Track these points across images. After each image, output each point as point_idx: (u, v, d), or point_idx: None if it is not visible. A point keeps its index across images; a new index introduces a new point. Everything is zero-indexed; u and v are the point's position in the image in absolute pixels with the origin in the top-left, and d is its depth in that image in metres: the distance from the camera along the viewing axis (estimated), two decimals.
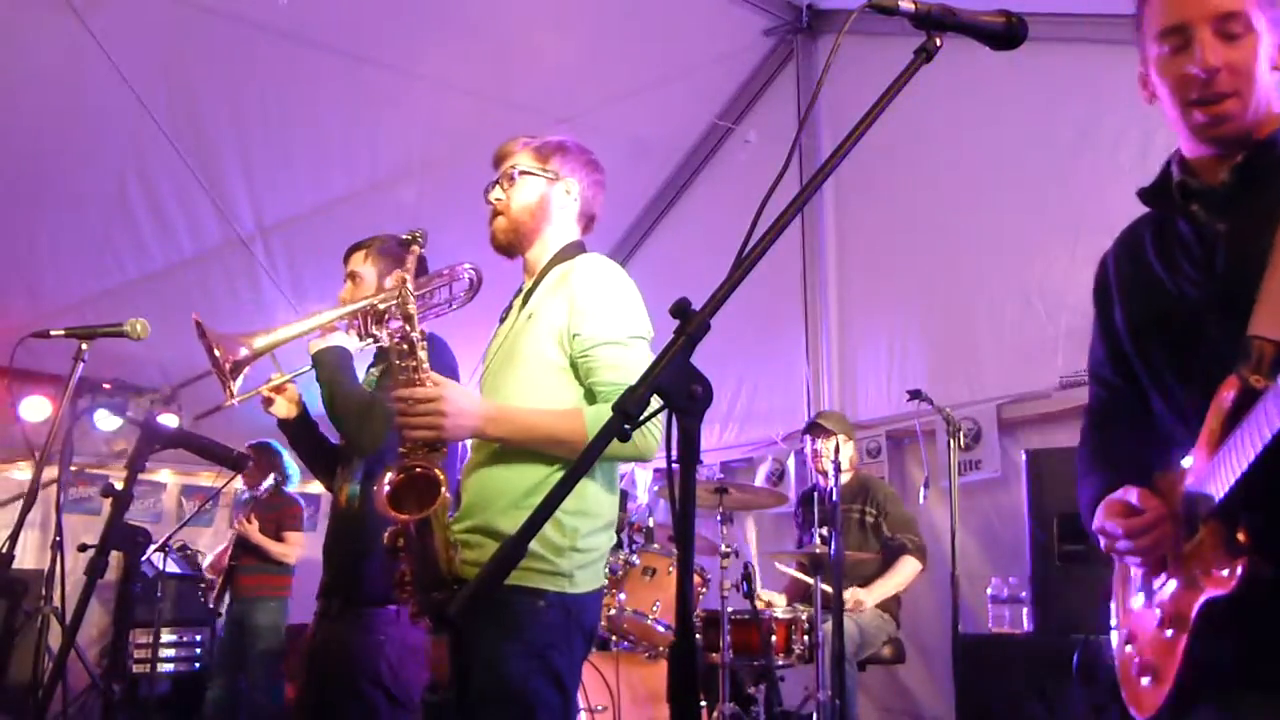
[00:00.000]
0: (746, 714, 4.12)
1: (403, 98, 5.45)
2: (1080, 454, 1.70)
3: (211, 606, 5.82)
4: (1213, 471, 1.32)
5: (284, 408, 2.90)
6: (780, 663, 4.16)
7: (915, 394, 4.36)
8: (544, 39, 5.47)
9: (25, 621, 5.69)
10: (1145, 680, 1.43)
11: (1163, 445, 1.49)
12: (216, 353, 2.40)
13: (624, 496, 6.10)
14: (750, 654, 4.12)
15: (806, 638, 4.17)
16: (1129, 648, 1.51)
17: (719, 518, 4.41)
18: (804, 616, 4.22)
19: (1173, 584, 1.40)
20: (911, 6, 1.28)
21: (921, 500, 4.84)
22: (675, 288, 1.33)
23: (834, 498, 4.10)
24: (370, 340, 2.72)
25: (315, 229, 5.74)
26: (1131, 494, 1.45)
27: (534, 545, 1.94)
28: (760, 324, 6.08)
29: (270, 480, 5.61)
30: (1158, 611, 1.43)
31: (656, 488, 5.95)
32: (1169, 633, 1.39)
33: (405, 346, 2.09)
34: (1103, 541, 1.51)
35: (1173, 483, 1.43)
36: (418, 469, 2.05)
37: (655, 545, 4.28)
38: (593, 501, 2.07)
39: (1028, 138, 4.89)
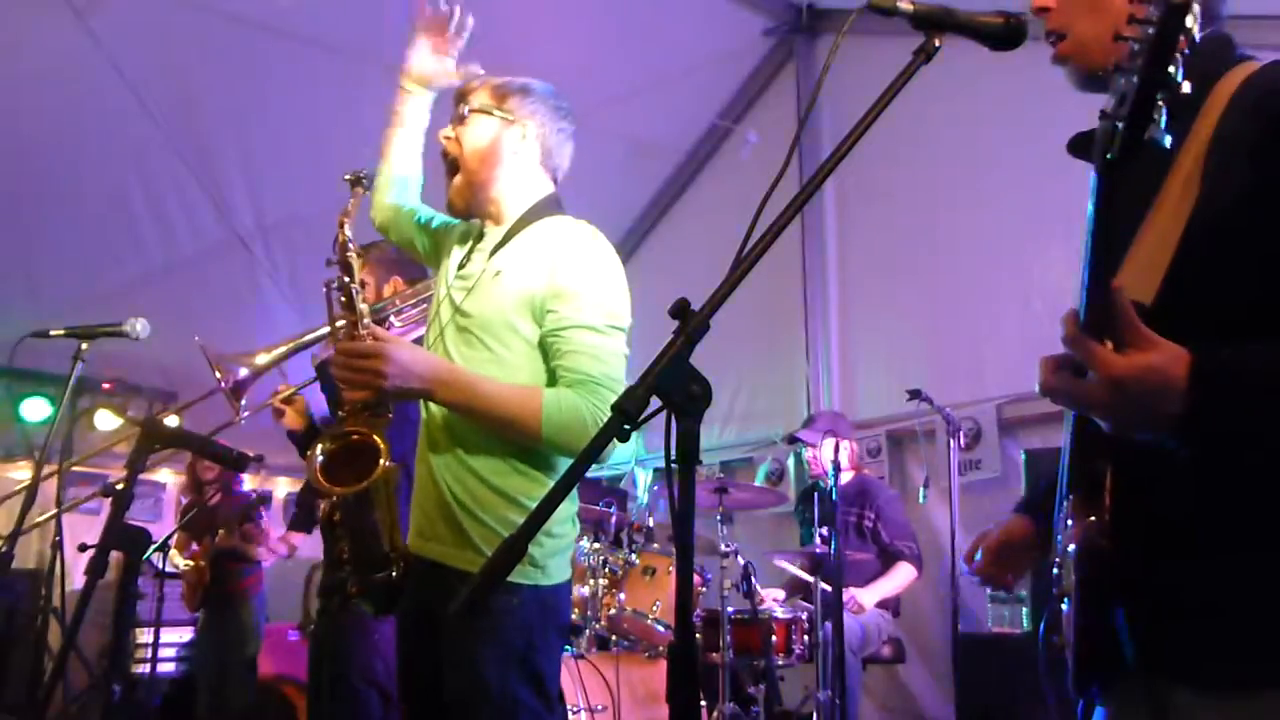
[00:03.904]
0: (746, 714, 4.12)
1: None
2: None
3: (191, 613, 5.75)
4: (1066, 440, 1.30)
5: (293, 419, 2.93)
6: (780, 663, 4.16)
7: (915, 394, 4.37)
8: (543, 39, 5.47)
9: (25, 621, 5.69)
10: (1068, 656, 1.37)
11: None
12: (218, 375, 2.42)
13: (623, 496, 6.11)
14: (750, 654, 4.12)
15: (806, 637, 4.17)
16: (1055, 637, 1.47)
17: (719, 517, 4.41)
18: (804, 616, 4.22)
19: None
20: (910, 7, 1.28)
21: (922, 500, 4.85)
22: (675, 288, 1.33)
23: (834, 497, 4.10)
24: None
25: (315, 229, 5.72)
26: (993, 533, 1.54)
27: (499, 533, 1.83)
28: (760, 324, 6.08)
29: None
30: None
31: (656, 487, 5.96)
32: (1064, 605, 1.33)
33: (344, 299, 1.98)
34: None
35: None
36: (354, 435, 1.90)
37: (655, 545, 4.29)
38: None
39: (1028, 137, 4.89)
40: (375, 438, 1.88)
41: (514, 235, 2.01)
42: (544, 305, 1.89)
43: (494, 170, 2.04)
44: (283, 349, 2.53)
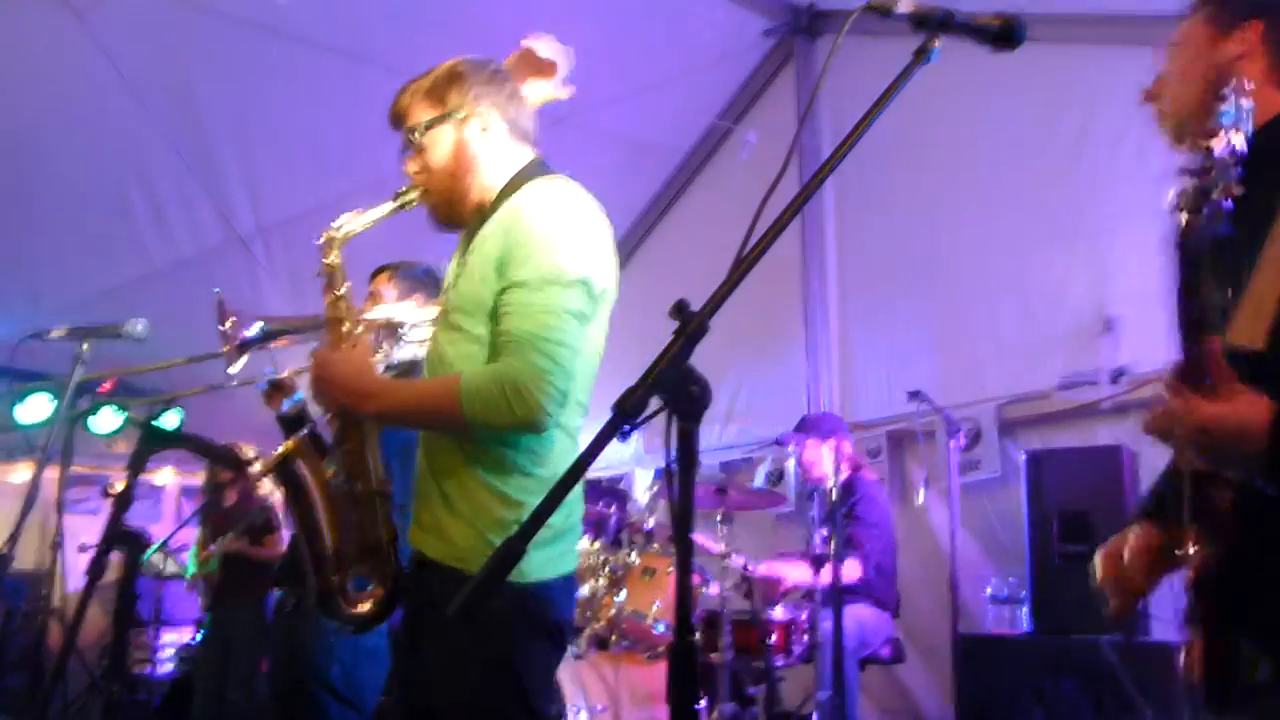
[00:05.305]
0: (746, 714, 4.12)
1: None
2: None
3: (200, 615, 5.74)
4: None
5: (281, 405, 2.91)
6: (780, 663, 4.16)
7: (915, 394, 4.37)
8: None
9: (25, 622, 5.69)
10: (1194, 677, 1.41)
11: None
12: (225, 326, 2.39)
13: (623, 497, 6.10)
14: (750, 654, 4.12)
15: (806, 638, 4.17)
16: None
17: (719, 518, 4.41)
18: (804, 616, 4.22)
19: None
20: (909, 8, 1.29)
21: (921, 500, 4.84)
22: (675, 288, 1.33)
23: (833, 498, 4.10)
24: (381, 354, 2.69)
25: (315, 229, 5.71)
26: (1131, 537, 1.52)
27: (479, 525, 1.74)
28: (760, 324, 6.08)
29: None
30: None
31: (656, 488, 5.95)
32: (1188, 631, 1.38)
33: (333, 293, 1.97)
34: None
35: None
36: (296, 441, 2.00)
37: (655, 545, 4.29)
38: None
39: (1027, 138, 4.90)
40: (302, 423, 1.96)
41: (493, 212, 1.88)
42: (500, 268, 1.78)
43: (469, 176, 1.91)
44: (300, 320, 2.50)
